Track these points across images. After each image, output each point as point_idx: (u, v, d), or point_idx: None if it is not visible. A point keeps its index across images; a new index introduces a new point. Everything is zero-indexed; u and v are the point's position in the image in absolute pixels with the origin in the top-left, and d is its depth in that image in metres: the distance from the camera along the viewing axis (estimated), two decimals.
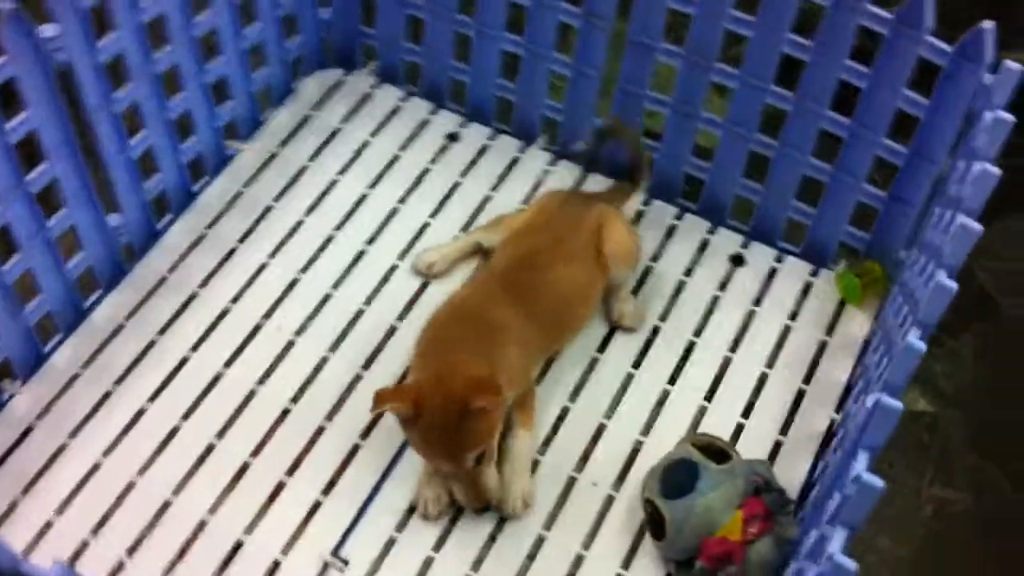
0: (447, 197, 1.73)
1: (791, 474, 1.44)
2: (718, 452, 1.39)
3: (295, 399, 1.51)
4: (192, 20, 1.56)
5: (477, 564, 1.38)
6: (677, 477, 1.36)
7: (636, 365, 1.56)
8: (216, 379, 1.52)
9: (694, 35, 1.56)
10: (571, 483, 1.45)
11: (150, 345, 1.55)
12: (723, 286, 1.65)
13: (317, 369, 1.53)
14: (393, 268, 1.64)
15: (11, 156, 1.36)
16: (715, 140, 1.65)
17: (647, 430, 1.50)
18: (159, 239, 1.65)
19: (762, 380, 1.55)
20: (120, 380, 1.51)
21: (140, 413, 1.48)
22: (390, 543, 1.39)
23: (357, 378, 1.53)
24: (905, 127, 1.50)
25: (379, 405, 1.31)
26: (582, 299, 1.52)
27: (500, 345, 1.39)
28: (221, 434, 1.47)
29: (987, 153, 1.24)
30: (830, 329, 1.61)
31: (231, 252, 1.65)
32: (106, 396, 1.50)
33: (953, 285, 1.14)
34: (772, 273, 1.67)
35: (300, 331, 1.57)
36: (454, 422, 1.29)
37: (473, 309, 1.43)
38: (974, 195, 1.20)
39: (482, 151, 1.79)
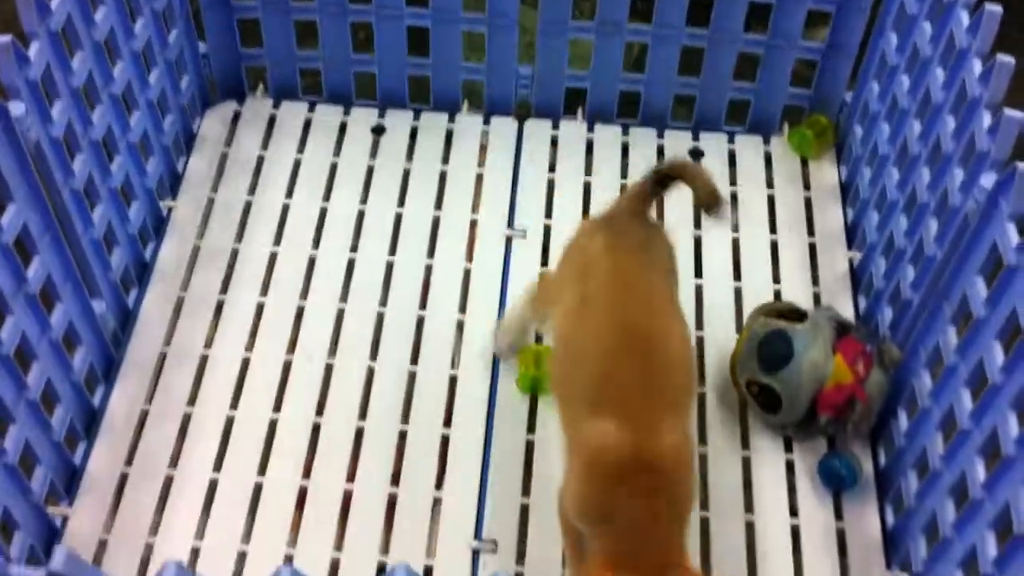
0: (404, 186, 1.69)
1: (843, 313, 1.51)
2: (791, 313, 1.43)
3: (363, 415, 1.44)
4: (112, 76, 1.46)
5: None
6: (770, 350, 1.39)
7: None
8: (272, 428, 1.43)
9: None
10: None
11: (186, 420, 1.44)
12: None
13: (368, 384, 1.48)
14: (389, 265, 1.59)
15: (11, 257, 1.22)
16: (639, 53, 1.70)
17: (700, 324, 1.54)
18: (135, 316, 1.53)
19: (774, 246, 1.62)
20: (174, 463, 1.40)
21: (214, 485, 1.38)
22: (524, 510, 1.36)
23: (411, 376, 1.48)
24: None
25: None
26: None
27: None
28: (307, 475, 1.39)
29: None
30: (806, 185, 1.70)
31: (219, 305, 1.55)
32: (168, 485, 1.38)
33: (1018, 115, 1.19)
34: (732, 156, 1.74)
35: (333, 352, 1.50)
36: None
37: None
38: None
39: (413, 134, 1.76)
